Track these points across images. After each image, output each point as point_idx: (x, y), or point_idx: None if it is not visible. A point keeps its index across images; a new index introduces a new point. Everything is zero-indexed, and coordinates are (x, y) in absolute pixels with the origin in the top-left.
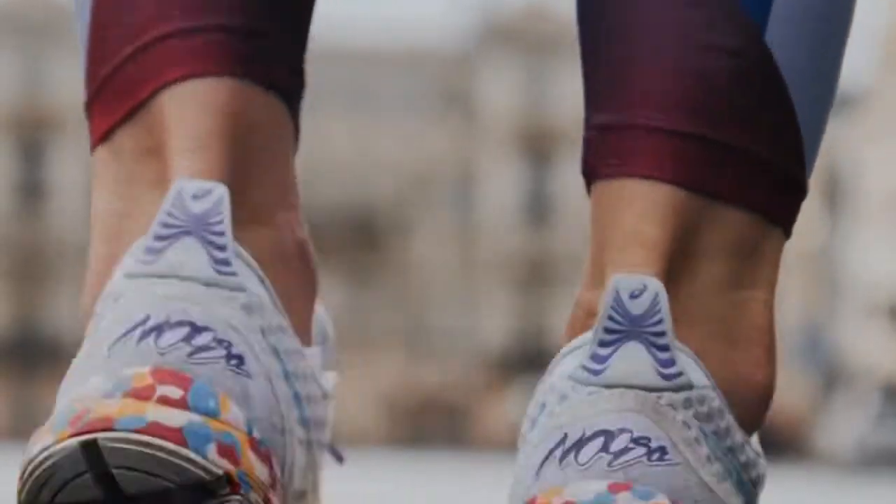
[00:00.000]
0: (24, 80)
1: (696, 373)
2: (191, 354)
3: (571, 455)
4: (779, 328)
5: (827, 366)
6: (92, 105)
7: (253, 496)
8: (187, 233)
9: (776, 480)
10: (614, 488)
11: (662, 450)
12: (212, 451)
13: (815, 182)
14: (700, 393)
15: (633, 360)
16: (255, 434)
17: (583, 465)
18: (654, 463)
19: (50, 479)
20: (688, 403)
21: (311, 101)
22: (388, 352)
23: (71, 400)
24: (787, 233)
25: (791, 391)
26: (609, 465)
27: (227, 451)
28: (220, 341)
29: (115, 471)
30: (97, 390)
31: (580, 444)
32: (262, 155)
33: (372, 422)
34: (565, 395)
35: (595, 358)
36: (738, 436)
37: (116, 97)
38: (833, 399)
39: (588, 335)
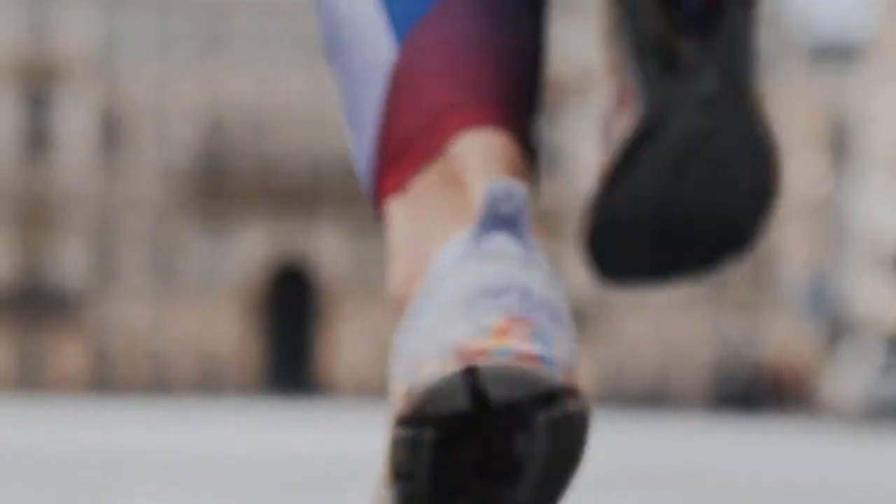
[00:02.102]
0: (30, 29)
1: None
2: (525, 308)
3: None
4: (784, 279)
5: (832, 317)
6: (383, 168)
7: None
8: (502, 229)
9: (782, 431)
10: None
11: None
12: (558, 371)
13: (819, 132)
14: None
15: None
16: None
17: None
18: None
19: (435, 397)
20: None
21: (316, 52)
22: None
23: (444, 340)
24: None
25: (797, 342)
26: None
27: (569, 373)
28: (541, 301)
29: (490, 389)
30: (465, 334)
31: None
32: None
33: (378, 372)
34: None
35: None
36: None
37: (413, 153)
38: (838, 350)
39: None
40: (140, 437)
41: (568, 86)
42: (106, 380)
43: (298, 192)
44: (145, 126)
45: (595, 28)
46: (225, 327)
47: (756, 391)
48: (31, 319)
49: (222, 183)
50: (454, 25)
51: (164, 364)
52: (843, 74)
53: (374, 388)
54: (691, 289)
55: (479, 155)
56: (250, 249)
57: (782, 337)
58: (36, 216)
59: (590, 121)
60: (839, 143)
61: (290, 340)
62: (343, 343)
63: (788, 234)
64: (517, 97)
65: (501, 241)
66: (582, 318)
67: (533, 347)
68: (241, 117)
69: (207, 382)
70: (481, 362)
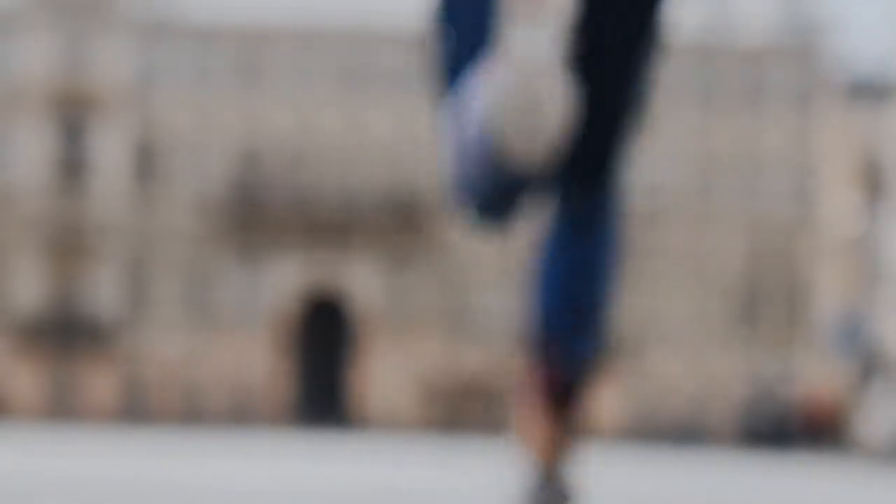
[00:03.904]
0: (66, 60)
1: None
2: None
3: None
4: (817, 317)
5: (865, 355)
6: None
7: None
8: None
9: (814, 469)
10: None
11: None
12: None
13: (854, 170)
14: None
15: None
16: None
17: None
18: None
19: None
20: None
21: (351, 85)
22: (427, 334)
23: None
24: None
25: (829, 380)
26: None
27: None
28: None
29: None
30: None
31: None
32: None
33: (410, 405)
34: None
35: None
36: None
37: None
38: (871, 388)
39: None
40: (171, 469)
41: None
42: (138, 410)
43: (333, 224)
44: (181, 157)
45: None
46: (258, 359)
47: (788, 428)
48: (64, 349)
49: (257, 214)
50: None
51: (197, 395)
52: (878, 113)
53: (406, 422)
54: (725, 326)
55: None
56: (284, 281)
57: (815, 375)
58: (70, 246)
59: None
60: (874, 182)
61: (323, 373)
62: (376, 376)
63: (822, 273)
64: None
65: None
66: (617, 355)
67: None
68: (277, 149)
69: (240, 414)
70: None
